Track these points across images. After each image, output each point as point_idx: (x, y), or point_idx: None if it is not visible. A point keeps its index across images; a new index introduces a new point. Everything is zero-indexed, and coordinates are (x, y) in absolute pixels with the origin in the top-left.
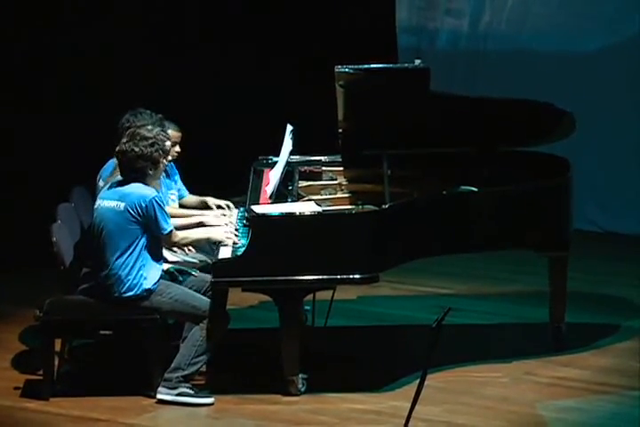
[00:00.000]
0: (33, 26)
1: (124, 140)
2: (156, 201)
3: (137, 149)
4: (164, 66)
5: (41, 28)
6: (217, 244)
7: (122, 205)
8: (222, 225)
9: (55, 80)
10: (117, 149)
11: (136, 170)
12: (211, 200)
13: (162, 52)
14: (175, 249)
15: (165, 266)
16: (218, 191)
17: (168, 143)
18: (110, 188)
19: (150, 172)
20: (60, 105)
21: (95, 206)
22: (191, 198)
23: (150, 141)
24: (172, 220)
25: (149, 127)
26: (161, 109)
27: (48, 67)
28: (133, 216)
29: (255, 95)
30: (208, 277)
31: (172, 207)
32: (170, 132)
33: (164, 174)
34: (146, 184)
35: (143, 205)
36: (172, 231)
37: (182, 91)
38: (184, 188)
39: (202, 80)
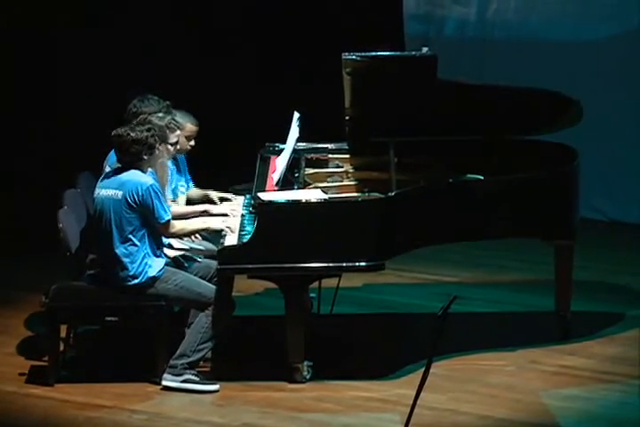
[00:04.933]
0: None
1: (128, 125)
2: (153, 189)
3: (133, 134)
4: (172, 53)
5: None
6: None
7: (119, 193)
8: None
9: (62, 66)
10: (113, 132)
11: (130, 154)
12: (213, 193)
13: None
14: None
15: (172, 253)
16: (222, 179)
17: (177, 132)
18: (108, 176)
19: (145, 157)
20: (64, 90)
21: (94, 195)
22: (194, 192)
23: (147, 126)
24: (178, 208)
25: (160, 115)
26: (166, 96)
27: (56, 53)
28: (131, 204)
29: (262, 82)
30: (213, 263)
31: (178, 202)
32: (188, 125)
33: (173, 166)
34: (142, 171)
35: (140, 193)
36: (169, 221)
37: (189, 77)
38: (191, 181)
39: (209, 66)
